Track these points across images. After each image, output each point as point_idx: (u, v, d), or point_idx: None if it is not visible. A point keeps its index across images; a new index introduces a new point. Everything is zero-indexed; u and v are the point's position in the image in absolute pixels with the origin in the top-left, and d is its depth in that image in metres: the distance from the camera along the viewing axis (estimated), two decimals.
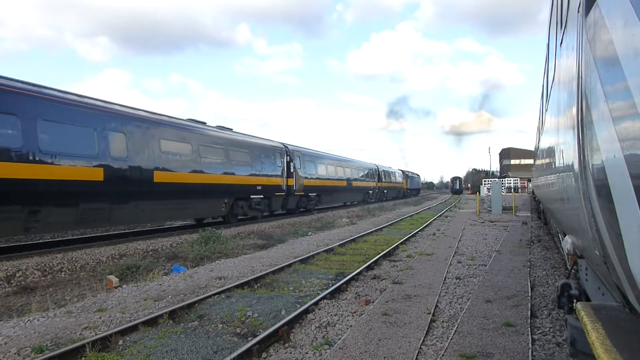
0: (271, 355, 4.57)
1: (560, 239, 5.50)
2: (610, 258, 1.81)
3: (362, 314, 5.79)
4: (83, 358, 4.46)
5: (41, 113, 10.09)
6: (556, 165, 4.21)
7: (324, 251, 10.97)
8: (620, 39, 1.46)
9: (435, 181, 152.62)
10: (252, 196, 19.01)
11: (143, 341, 4.91)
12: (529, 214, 22.68)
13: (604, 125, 1.66)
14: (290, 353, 4.60)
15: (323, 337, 5.05)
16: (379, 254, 10.32)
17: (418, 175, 74.60)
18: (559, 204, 4.39)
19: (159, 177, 13.31)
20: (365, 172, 38.45)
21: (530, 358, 4.29)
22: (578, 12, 2.29)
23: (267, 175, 20.25)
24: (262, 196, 19.82)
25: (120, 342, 4.90)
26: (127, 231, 16.22)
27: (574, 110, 2.36)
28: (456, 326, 5.21)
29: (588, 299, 3.19)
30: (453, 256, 10.16)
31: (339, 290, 7.09)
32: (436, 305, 6.14)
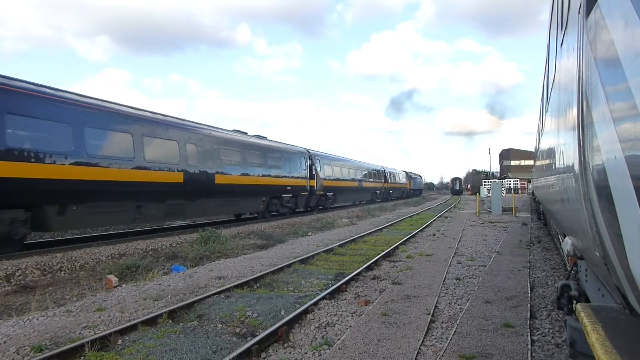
0: (270, 355, 4.56)
1: (560, 240, 5.50)
2: (610, 259, 1.81)
3: (361, 315, 5.79)
4: (82, 357, 4.45)
5: (146, 132, 13.40)
6: (556, 166, 4.21)
7: (323, 251, 10.96)
8: (621, 39, 1.46)
9: (435, 182, 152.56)
10: (283, 195, 22.10)
11: (142, 341, 4.91)
12: (529, 215, 22.68)
13: (604, 126, 1.66)
14: (290, 353, 4.60)
15: (322, 337, 5.04)
16: (379, 254, 10.31)
17: (420, 176, 77.60)
18: (559, 205, 4.39)
19: (218, 179, 16.44)
20: (373, 174, 41.12)
21: (529, 359, 4.29)
22: (579, 13, 2.28)
23: (295, 177, 23.31)
24: (291, 195, 22.95)
25: (120, 341, 4.89)
26: (126, 231, 16.24)
27: (575, 111, 2.36)
28: (455, 327, 5.21)
29: (587, 300, 3.18)
30: (453, 257, 10.15)
31: (338, 291, 7.08)
32: (436, 306, 6.14)
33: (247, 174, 18.59)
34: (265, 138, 22.40)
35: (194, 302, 6.31)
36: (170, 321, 5.60)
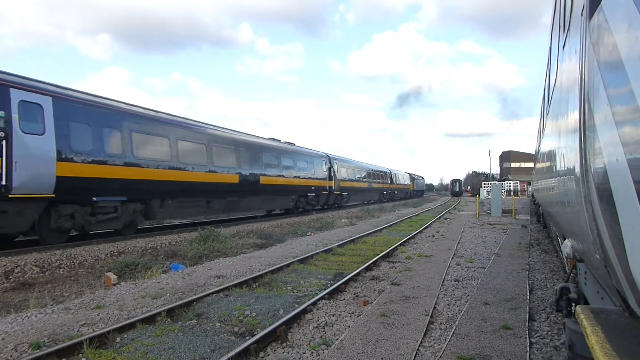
0: (268, 355, 4.56)
1: (560, 243, 5.49)
2: (611, 262, 1.80)
3: (360, 315, 5.79)
4: (80, 355, 4.45)
5: (215, 142, 16.95)
6: (557, 169, 4.20)
7: (322, 251, 10.96)
8: (625, 42, 1.46)
9: (435, 183, 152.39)
10: (308, 194, 25.79)
11: (140, 339, 4.90)
12: (529, 217, 22.68)
13: (606, 128, 1.66)
14: (288, 353, 4.59)
15: (321, 337, 5.04)
16: (378, 255, 10.31)
17: (422, 177, 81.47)
18: (559, 208, 4.38)
19: (263, 180, 20.12)
20: (381, 175, 44.72)
21: None
22: (582, 15, 2.28)
23: (318, 179, 26.97)
24: (314, 194, 26.63)
25: (118, 339, 4.89)
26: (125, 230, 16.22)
27: (576, 113, 2.35)
28: (454, 328, 5.21)
29: (586, 303, 3.18)
30: (452, 258, 10.15)
31: (337, 291, 7.08)
32: (434, 307, 6.14)
33: (282, 176, 22.23)
34: (294, 144, 25.90)
35: (192, 301, 6.31)
36: (168, 320, 5.59)
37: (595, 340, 1.61)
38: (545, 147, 7.50)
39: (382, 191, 44.88)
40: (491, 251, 11.28)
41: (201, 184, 15.67)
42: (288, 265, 9.15)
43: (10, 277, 8.42)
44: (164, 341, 4.84)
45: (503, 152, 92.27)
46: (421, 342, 4.78)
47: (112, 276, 8.16)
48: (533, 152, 25.64)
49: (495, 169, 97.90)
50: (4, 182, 9.29)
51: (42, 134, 10.25)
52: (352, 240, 13.28)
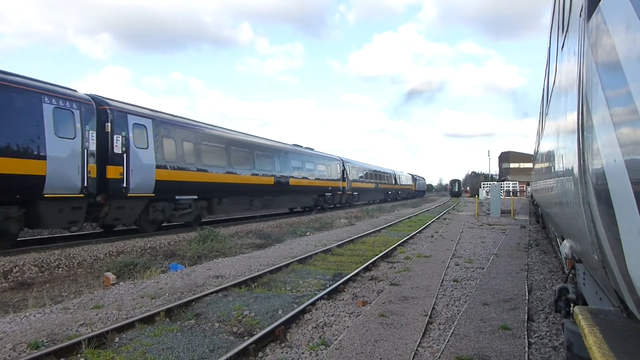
0: (267, 355, 4.56)
1: (559, 243, 5.50)
2: (608, 262, 1.81)
3: (359, 315, 5.79)
4: (79, 354, 4.44)
5: (257, 150, 20.36)
6: (555, 170, 4.21)
7: (321, 251, 10.96)
8: (623, 43, 1.46)
9: (434, 183, 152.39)
10: (326, 194, 29.20)
11: (139, 339, 4.90)
12: (527, 218, 22.70)
13: (604, 129, 1.66)
14: (287, 353, 4.59)
15: (320, 337, 5.04)
16: (377, 255, 10.31)
17: (424, 178, 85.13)
18: (557, 208, 4.39)
19: (291, 182, 23.48)
20: (387, 176, 47.97)
21: None
22: (580, 16, 2.28)
23: (333, 180, 30.22)
24: (330, 194, 29.97)
25: (117, 339, 4.88)
26: (124, 229, 16.19)
27: (575, 114, 2.36)
28: (453, 328, 5.21)
29: (585, 304, 3.19)
30: (451, 259, 10.16)
31: (336, 291, 7.08)
32: (433, 307, 6.14)
33: (306, 178, 25.58)
34: (313, 149, 29.36)
35: (191, 301, 6.30)
36: (167, 319, 5.59)
37: (593, 340, 1.62)
38: (544, 148, 7.51)
39: (387, 191, 47.94)
40: (490, 252, 11.29)
41: (247, 185, 19.05)
42: (287, 265, 9.14)
43: (9, 276, 8.41)
44: (162, 341, 4.83)
45: (502, 153, 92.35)
46: (420, 342, 4.79)
47: (111, 276, 8.15)
48: (532, 153, 25.67)
49: (495, 170, 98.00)
50: (124, 185, 12.34)
51: (146, 148, 13.38)
52: (351, 241, 13.29)
